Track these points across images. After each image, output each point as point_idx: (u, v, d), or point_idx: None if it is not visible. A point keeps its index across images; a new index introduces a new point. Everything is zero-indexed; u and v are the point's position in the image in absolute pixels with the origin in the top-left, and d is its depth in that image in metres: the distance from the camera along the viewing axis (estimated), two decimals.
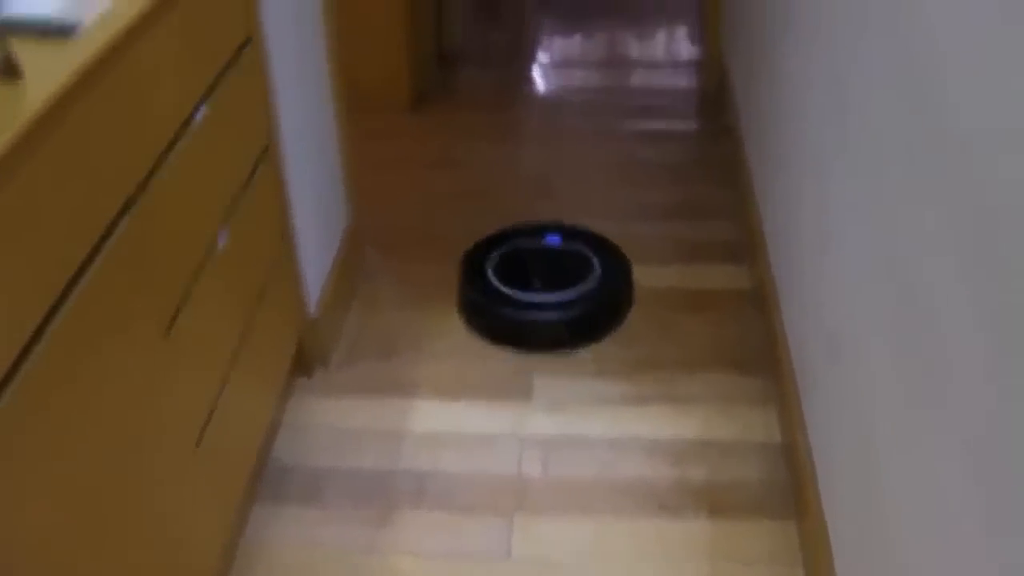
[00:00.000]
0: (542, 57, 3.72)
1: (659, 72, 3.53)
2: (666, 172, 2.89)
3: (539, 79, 3.52)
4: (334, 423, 2.06)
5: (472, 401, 2.11)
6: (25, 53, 1.12)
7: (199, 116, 1.50)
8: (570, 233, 2.50)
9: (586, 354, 2.24)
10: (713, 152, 3.00)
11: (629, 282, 2.38)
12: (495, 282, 2.34)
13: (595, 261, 2.39)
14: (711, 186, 2.83)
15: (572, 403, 2.10)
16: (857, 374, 1.51)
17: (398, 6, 3.11)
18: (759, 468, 1.94)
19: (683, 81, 3.45)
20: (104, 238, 1.21)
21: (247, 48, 1.72)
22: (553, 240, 2.47)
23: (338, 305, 2.29)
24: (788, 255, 2.10)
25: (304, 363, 2.15)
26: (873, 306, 1.42)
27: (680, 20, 3.96)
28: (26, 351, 1.04)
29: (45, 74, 1.10)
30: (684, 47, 3.71)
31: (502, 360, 2.22)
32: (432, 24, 3.46)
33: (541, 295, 2.29)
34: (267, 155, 1.85)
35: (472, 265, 2.40)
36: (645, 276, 2.45)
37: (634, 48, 3.74)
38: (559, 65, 3.64)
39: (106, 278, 1.20)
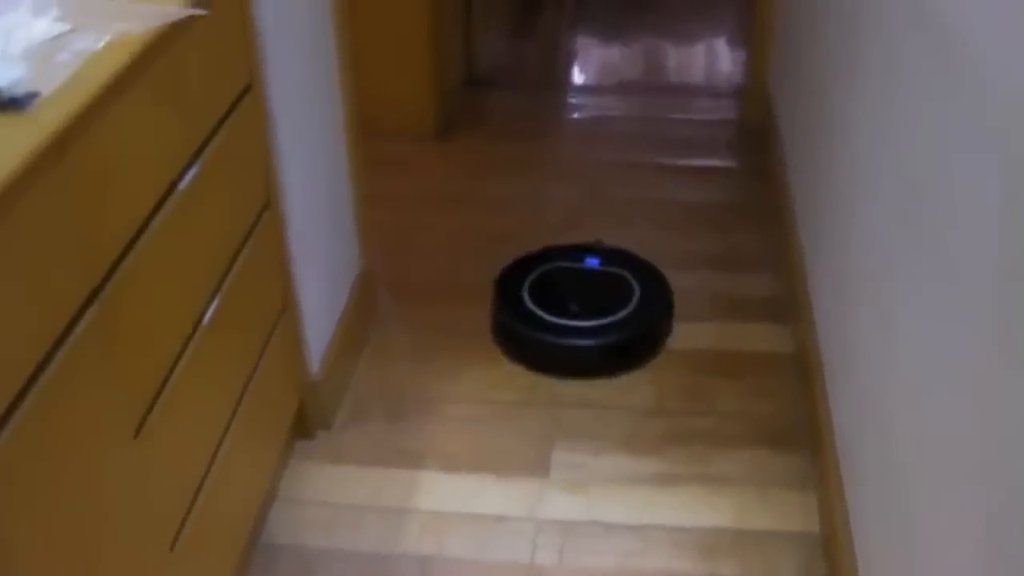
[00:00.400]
0: (577, 80, 3.54)
1: (699, 100, 3.35)
2: (704, 215, 2.71)
3: (573, 105, 3.34)
4: (332, 496, 1.89)
5: (484, 475, 1.94)
6: None
7: (187, 179, 1.34)
8: (610, 255, 2.41)
9: (613, 419, 2.06)
10: (755, 194, 2.81)
11: (670, 308, 2.30)
12: (530, 304, 2.26)
13: (635, 285, 2.31)
14: (752, 233, 2.65)
15: (594, 481, 1.93)
16: (910, 478, 1.33)
17: (423, 27, 2.94)
18: (796, 562, 1.77)
19: (725, 111, 3.26)
20: (64, 335, 1.05)
21: (246, 96, 1.56)
22: (592, 262, 2.39)
23: (345, 359, 2.13)
24: (838, 322, 1.92)
25: (304, 425, 1.99)
26: (940, 417, 1.24)
27: (724, 43, 3.76)
28: None
29: None
30: (727, 73, 3.52)
31: (520, 424, 2.05)
32: (461, 46, 3.29)
33: (578, 321, 2.22)
34: (267, 211, 1.69)
35: (507, 286, 2.32)
36: (680, 333, 2.28)
37: (673, 73, 3.56)
38: (594, 91, 3.46)
39: (68, 375, 1.05)
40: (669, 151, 3.03)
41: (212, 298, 1.44)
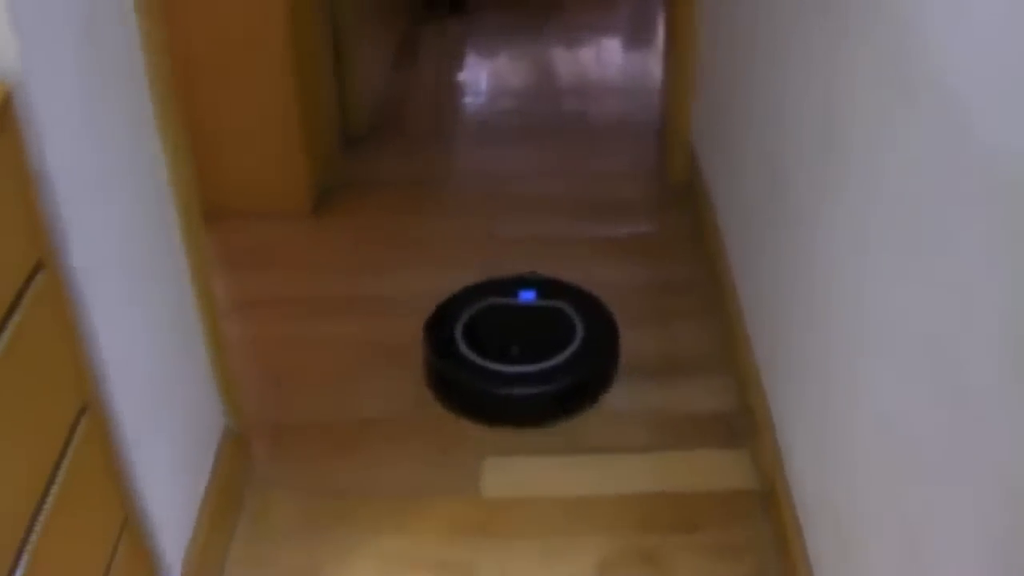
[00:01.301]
0: (469, 122, 3.11)
1: (613, 142, 2.96)
2: (632, 303, 2.31)
3: (468, 158, 2.92)
4: None
5: None
6: None
7: None
8: (547, 287, 2.21)
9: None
10: (689, 269, 2.43)
11: (616, 346, 2.11)
12: (464, 349, 2.05)
13: (577, 322, 2.11)
14: (691, 323, 2.27)
15: None
16: None
17: (285, 87, 2.49)
18: None
19: (643, 156, 2.88)
20: None
21: (39, 276, 1.12)
22: (528, 296, 2.19)
23: (213, 550, 1.69)
24: (814, 445, 1.56)
25: None
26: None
27: (626, 46, 3.38)
28: None
29: None
30: (644, 116, 3.13)
31: None
32: (333, 99, 2.83)
33: (518, 367, 2.02)
34: (85, 415, 1.25)
35: (438, 329, 2.10)
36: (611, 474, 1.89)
37: (585, 117, 3.15)
38: (491, 135, 3.04)
39: None
40: (584, 216, 2.64)
41: (28, 533, 1.02)
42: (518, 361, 2.03)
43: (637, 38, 3.65)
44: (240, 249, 2.56)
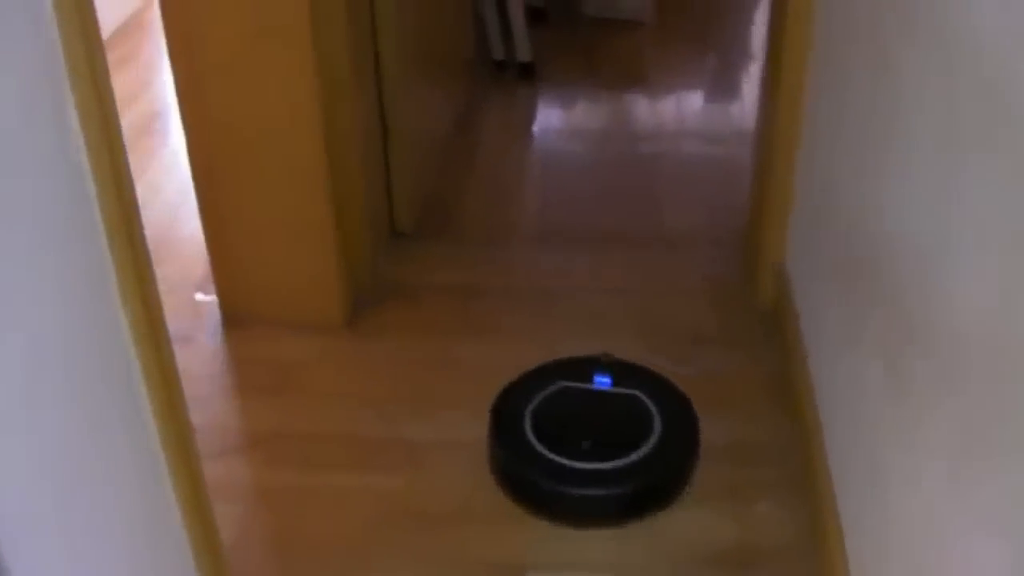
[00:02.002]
0: (531, 227, 2.79)
1: (693, 264, 2.62)
2: (709, 475, 1.98)
3: (526, 267, 2.60)
4: None
5: None
6: None
7: None
8: (622, 372, 2.06)
9: None
10: (770, 427, 2.09)
11: (696, 439, 1.97)
12: (533, 441, 1.92)
13: (655, 413, 1.97)
14: (766, 501, 1.93)
15: None
16: None
17: (315, 177, 2.20)
18: None
19: (725, 278, 2.53)
20: None
21: None
22: (602, 382, 2.04)
23: None
24: None
25: None
26: None
27: (726, 174, 3.03)
28: None
29: None
30: (730, 221, 2.77)
31: None
32: (379, 190, 2.54)
33: (591, 463, 1.88)
34: None
35: (505, 416, 1.97)
36: None
37: (661, 219, 2.81)
38: (555, 241, 2.71)
39: None
40: (652, 344, 2.29)
41: None
42: (589, 456, 1.89)
43: (726, 123, 3.30)
44: (259, 366, 2.28)
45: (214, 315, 2.42)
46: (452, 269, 2.57)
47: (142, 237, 1.25)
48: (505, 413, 1.98)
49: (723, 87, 3.54)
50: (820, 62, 2.01)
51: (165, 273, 2.57)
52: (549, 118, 3.37)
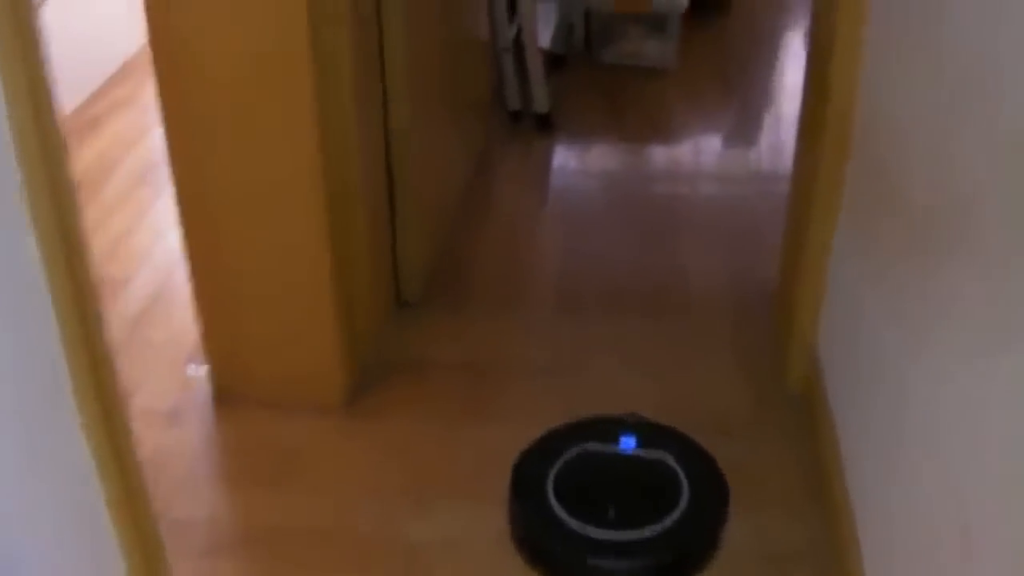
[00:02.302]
0: (547, 295, 2.62)
1: (719, 340, 2.45)
2: (721, 570, 1.81)
3: (541, 341, 2.43)
4: None
5: None
6: None
7: None
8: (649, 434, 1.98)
9: None
10: (801, 529, 1.91)
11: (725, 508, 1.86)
12: (555, 507, 1.83)
13: (683, 479, 1.88)
14: None
15: None
16: None
17: (314, 243, 2.05)
18: None
19: (754, 358, 2.36)
20: None
21: None
22: (628, 445, 1.95)
23: None
24: None
25: None
26: None
27: (758, 239, 2.86)
28: None
29: None
30: (760, 288, 2.60)
31: None
32: (384, 256, 2.39)
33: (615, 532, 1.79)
34: None
35: (526, 479, 1.89)
36: None
37: (686, 288, 2.64)
38: (571, 312, 2.54)
39: None
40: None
41: None
42: (614, 524, 1.80)
43: (755, 187, 3.13)
44: (252, 452, 2.12)
45: (205, 391, 2.26)
46: (461, 343, 2.41)
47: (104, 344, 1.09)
48: (527, 476, 1.91)
49: (746, 135, 3.37)
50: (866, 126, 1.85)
51: (154, 340, 2.43)
52: (566, 172, 3.22)
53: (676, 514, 1.82)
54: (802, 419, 2.13)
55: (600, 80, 3.67)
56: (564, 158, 3.29)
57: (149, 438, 2.09)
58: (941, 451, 1.35)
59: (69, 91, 3.28)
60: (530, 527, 1.83)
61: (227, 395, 2.24)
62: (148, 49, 1.88)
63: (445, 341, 2.41)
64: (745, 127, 3.44)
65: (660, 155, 3.28)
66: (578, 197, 3.04)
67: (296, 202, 1.98)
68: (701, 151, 3.31)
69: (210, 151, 1.94)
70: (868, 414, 1.73)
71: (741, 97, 3.62)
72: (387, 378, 2.28)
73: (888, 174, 1.69)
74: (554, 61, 3.70)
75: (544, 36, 3.45)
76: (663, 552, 1.78)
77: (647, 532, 1.79)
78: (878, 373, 1.69)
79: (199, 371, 2.29)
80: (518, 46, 3.26)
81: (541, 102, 3.30)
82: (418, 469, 2.06)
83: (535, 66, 3.25)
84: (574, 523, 1.80)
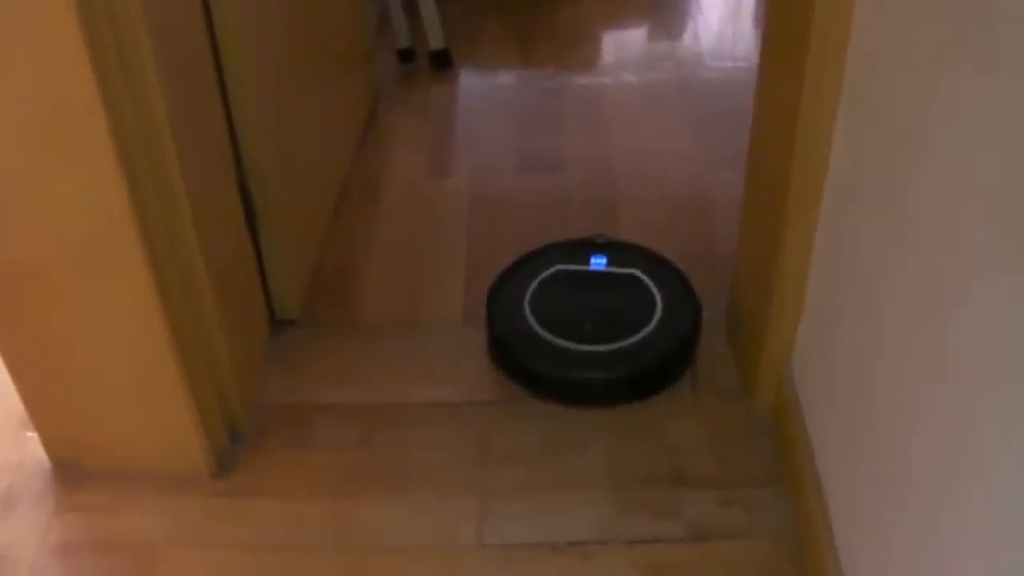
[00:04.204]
0: (455, 296, 2.17)
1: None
2: None
3: (452, 366, 2.00)
4: None
5: None
6: None
7: None
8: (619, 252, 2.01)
9: None
10: None
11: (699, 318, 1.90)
12: (534, 325, 1.88)
13: (655, 292, 1.93)
14: None
15: None
16: None
17: (138, 287, 1.59)
18: None
19: (709, 362, 1.95)
20: None
21: None
22: (599, 264, 2.00)
23: None
24: None
25: None
26: None
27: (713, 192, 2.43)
28: None
29: None
30: (709, 252, 2.18)
31: None
32: (249, 273, 1.93)
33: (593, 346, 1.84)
34: None
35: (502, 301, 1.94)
36: None
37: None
38: (487, 320, 2.11)
39: None
40: (630, 495, 1.73)
41: None
42: (592, 339, 1.85)
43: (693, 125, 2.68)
44: (98, 552, 1.69)
45: (42, 469, 1.82)
46: (354, 374, 1.96)
47: None
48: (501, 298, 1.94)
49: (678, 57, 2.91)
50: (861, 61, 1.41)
51: None
52: (471, 123, 2.73)
53: (651, 325, 1.86)
54: (777, 462, 1.75)
55: (504, 3, 3.17)
56: (468, 105, 2.80)
57: None
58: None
59: None
60: (509, 347, 1.84)
61: (68, 472, 1.81)
62: None
63: (334, 373, 1.97)
64: (678, 48, 2.97)
65: (585, 87, 2.80)
66: (487, 157, 2.56)
67: (108, 259, 1.51)
68: (627, 83, 2.83)
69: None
70: (863, 460, 1.34)
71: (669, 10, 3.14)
72: (265, 433, 1.85)
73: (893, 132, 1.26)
74: None
75: None
76: (640, 361, 1.81)
77: (623, 343, 1.82)
78: (871, 407, 1.29)
79: (33, 439, 1.84)
80: None
81: (436, 36, 2.80)
82: (302, 565, 1.64)
83: None
84: (553, 339, 1.83)
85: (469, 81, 2.84)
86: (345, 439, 1.83)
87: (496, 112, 2.70)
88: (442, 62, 2.83)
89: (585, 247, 2.01)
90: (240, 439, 1.83)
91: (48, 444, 1.81)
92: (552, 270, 1.98)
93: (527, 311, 1.90)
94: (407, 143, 2.60)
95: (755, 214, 1.79)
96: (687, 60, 2.86)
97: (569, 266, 1.98)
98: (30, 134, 1.39)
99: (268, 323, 2.01)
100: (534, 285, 1.95)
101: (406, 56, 2.84)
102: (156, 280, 1.53)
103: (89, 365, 1.66)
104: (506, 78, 2.85)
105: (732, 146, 2.04)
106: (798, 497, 1.62)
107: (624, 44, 3.01)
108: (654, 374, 1.85)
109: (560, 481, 1.74)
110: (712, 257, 2.12)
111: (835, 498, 1.49)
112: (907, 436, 1.18)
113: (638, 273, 1.96)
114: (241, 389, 1.84)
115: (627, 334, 1.85)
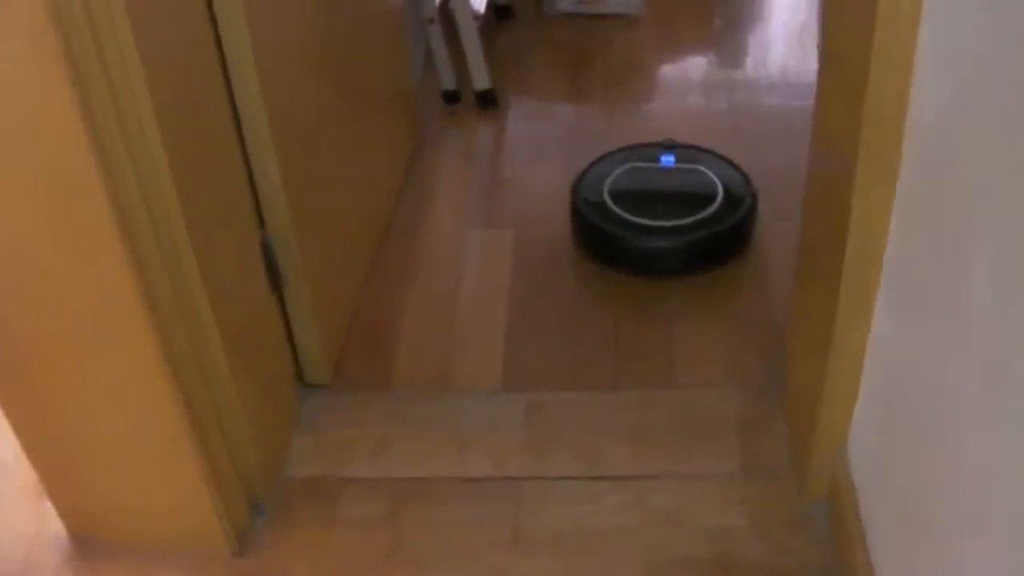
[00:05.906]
0: (498, 364, 2.05)
1: (718, 427, 1.91)
2: None
3: (492, 441, 1.89)
4: None
5: None
6: None
7: None
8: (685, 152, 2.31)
9: None
10: None
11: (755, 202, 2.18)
12: (612, 207, 2.18)
13: (717, 183, 2.21)
14: None
15: None
16: None
17: (146, 360, 1.51)
18: None
19: (761, 450, 1.82)
20: None
21: None
22: (668, 161, 2.28)
23: None
24: None
25: None
26: None
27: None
28: None
29: None
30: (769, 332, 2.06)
31: None
32: (276, 339, 1.85)
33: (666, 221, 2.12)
34: None
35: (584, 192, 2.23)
36: None
37: (671, 363, 2.08)
38: (529, 398, 1.99)
39: None
40: (660, 567, 1.61)
41: None
42: (662, 216, 2.13)
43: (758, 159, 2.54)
44: None
45: (60, 540, 1.75)
46: (383, 445, 1.87)
47: None
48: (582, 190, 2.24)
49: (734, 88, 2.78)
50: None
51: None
52: (516, 166, 2.62)
53: (714, 206, 2.14)
54: (824, 537, 1.61)
55: (555, 35, 3.07)
56: (515, 147, 2.70)
57: None
58: None
59: None
60: (592, 224, 2.14)
61: (88, 546, 1.74)
62: None
63: (361, 444, 1.87)
64: (734, 80, 2.84)
65: (639, 122, 2.68)
66: (534, 205, 2.44)
67: (114, 333, 1.43)
68: (684, 121, 2.70)
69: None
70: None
71: (729, 44, 3.01)
72: (289, 506, 1.77)
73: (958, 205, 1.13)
74: (499, 13, 3.10)
75: None
76: (703, 232, 2.09)
77: (689, 219, 2.11)
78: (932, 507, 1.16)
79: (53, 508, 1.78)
80: (445, 12, 2.66)
81: (481, 77, 2.71)
82: None
83: (469, 34, 2.65)
84: (629, 216, 2.13)
85: (517, 121, 2.74)
86: (371, 515, 1.73)
87: (544, 155, 2.59)
88: (488, 102, 2.73)
89: (654, 148, 2.30)
90: (263, 510, 1.75)
91: (65, 516, 1.75)
92: (627, 166, 2.26)
93: (607, 198, 2.18)
94: (450, 189, 2.50)
95: (809, 279, 1.66)
96: (743, 103, 2.72)
97: (641, 163, 2.26)
98: (35, 205, 1.32)
99: (295, 389, 1.92)
100: (611, 178, 2.23)
101: (451, 97, 2.75)
102: (164, 354, 1.46)
103: (100, 440, 1.59)
104: (556, 116, 2.74)
105: (788, 193, 1.92)
106: None
107: (681, 76, 2.88)
108: (717, 244, 2.12)
109: (594, 568, 1.62)
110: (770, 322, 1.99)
111: None
112: (969, 539, 1.06)
113: (702, 168, 2.23)
114: (263, 460, 1.75)
115: (693, 213, 2.12)
